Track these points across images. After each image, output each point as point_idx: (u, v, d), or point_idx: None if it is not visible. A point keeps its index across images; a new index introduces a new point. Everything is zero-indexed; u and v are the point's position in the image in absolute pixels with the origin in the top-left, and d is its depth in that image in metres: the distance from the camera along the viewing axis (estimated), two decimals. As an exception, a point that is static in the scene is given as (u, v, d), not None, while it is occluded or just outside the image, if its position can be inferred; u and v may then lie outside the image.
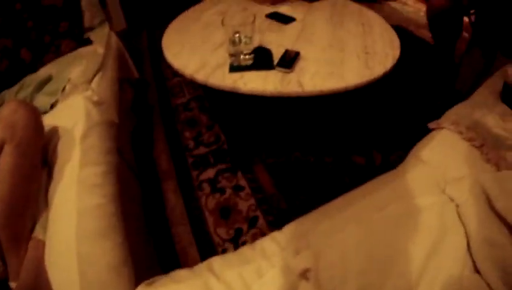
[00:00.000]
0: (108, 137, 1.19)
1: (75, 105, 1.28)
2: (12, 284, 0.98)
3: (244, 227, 1.36)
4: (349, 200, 0.92)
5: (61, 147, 1.13)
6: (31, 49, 1.56)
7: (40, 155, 1.07)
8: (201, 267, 0.78)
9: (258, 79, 1.20)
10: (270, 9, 1.70)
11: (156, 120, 1.95)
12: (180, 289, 0.74)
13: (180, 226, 1.39)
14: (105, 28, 1.94)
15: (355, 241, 0.75)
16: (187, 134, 1.81)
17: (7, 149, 0.96)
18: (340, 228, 0.79)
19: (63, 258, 0.89)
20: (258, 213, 1.40)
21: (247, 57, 1.25)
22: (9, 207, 0.96)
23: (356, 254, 0.71)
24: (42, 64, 1.60)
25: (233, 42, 1.23)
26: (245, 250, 0.81)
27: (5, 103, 1.05)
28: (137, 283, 0.87)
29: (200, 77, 1.26)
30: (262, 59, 1.27)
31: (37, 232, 1.02)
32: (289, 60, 1.25)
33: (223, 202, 1.45)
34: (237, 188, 1.50)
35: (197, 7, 1.85)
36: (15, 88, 1.43)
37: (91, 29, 1.92)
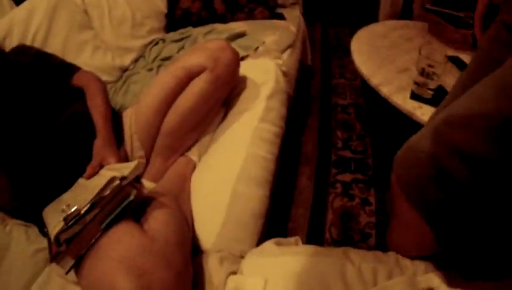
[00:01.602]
0: (285, 106, 1.30)
1: (267, 67, 1.40)
2: (145, 182, 1.12)
3: (356, 237, 1.38)
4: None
5: (245, 96, 1.26)
6: (226, 3, 1.78)
7: (226, 94, 1.21)
8: (338, 251, 0.84)
9: None
10: (452, 52, 1.63)
11: (313, 109, 2.05)
12: (316, 261, 0.81)
13: (300, 208, 1.48)
14: (297, 10, 2.08)
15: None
16: (339, 133, 1.87)
17: (205, 76, 1.07)
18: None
19: (217, 189, 1.01)
20: (373, 232, 1.41)
21: (429, 91, 1.29)
22: (184, 122, 1.10)
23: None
24: (232, 19, 1.81)
25: (422, 73, 1.28)
26: (379, 253, 0.85)
27: (214, 40, 1.17)
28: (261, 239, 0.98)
29: (384, 91, 1.37)
30: (439, 98, 1.26)
31: (192, 153, 1.16)
32: None
33: (348, 207, 1.49)
34: (365, 202, 1.52)
35: (382, 25, 1.94)
36: (204, 29, 1.62)
37: (283, 7, 2.08)
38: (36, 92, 1.11)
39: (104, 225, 0.73)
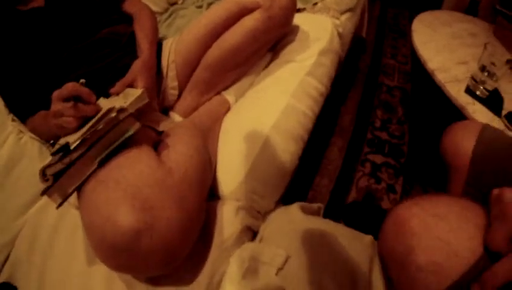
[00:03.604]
0: (335, 67, 1.23)
1: (323, 24, 1.30)
2: (173, 115, 1.08)
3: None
4: None
5: (296, 47, 1.18)
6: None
7: (276, 39, 1.14)
8: (367, 238, 0.78)
9: (485, 115, 1.16)
10: None
11: (358, 82, 1.95)
12: (347, 245, 0.75)
13: (325, 179, 1.42)
14: None
15: None
16: (379, 113, 1.78)
17: (258, 14, 1.00)
18: None
19: (248, 135, 0.95)
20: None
21: (485, 90, 1.22)
22: (227, 58, 1.03)
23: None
24: None
25: (483, 69, 1.22)
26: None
27: None
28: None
29: (440, 77, 1.31)
30: (493, 101, 1.22)
31: (228, 94, 1.11)
32: None
33: (373, 189, 1.42)
34: (391, 189, 1.45)
35: (447, 13, 1.84)
36: None
37: None
38: (84, 7, 1.10)
39: (99, 158, 0.66)
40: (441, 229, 0.46)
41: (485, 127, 0.75)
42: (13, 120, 1.01)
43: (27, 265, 0.81)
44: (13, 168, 0.94)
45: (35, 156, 0.98)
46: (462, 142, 0.75)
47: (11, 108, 1.01)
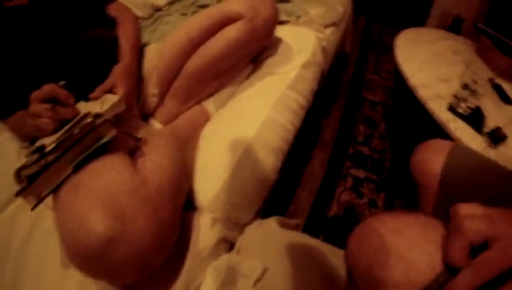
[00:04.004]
0: (317, 81, 1.22)
1: (306, 37, 1.31)
2: (153, 122, 1.07)
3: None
4: None
5: (278, 59, 1.18)
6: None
7: (258, 50, 1.14)
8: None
9: (467, 133, 1.18)
10: (495, 76, 1.53)
11: (340, 96, 1.96)
12: (322, 259, 0.74)
13: (306, 192, 1.41)
14: None
15: None
16: (361, 128, 1.78)
17: (240, 25, 0.99)
18: None
19: (227, 146, 0.94)
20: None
21: (467, 108, 1.24)
22: (208, 67, 1.02)
23: None
24: None
25: (465, 87, 1.25)
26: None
27: None
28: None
29: (422, 94, 1.33)
30: (475, 119, 1.24)
31: (207, 104, 1.10)
32: (498, 138, 1.17)
33: (354, 203, 1.42)
34: (372, 204, 1.44)
35: (430, 31, 1.90)
36: None
37: None
38: (67, 8, 1.08)
39: (74, 163, 0.66)
40: (400, 245, 0.46)
41: (455, 147, 0.75)
42: (-10, 119, 0.98)
43: (0, 265, 0.79)
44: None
45: (12, 156, 0.96)
46: (430, 162, 0.75)
47: None
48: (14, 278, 0.76)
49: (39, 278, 0.75)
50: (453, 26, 2.29)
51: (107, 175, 0.63)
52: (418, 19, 2.53)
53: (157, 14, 1.64)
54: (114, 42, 1.08)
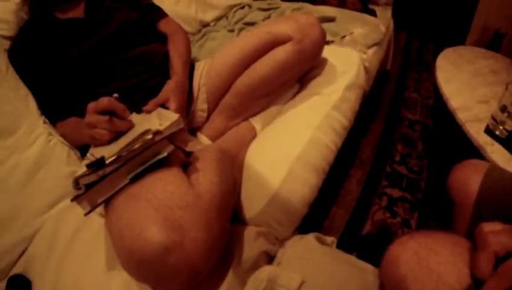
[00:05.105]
0: (359, 102, 1.25)
1: (351, 57, 1.32)
2: (201, 137, 1.11)
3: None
4: None
5: (323, 80, 1.20)
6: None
7: (305, 71, 1.17)
8: None
9: (503, 156, 1.16)
10: None
11: (379, 115, 1.97)
12: (358, 276, 0.77)
13: (341, 209, 1.43)
14: (388, 12, 1.96)
15: None
16: (399, 147, 1.79)
17: (289, 46, 1.02)
18: None
19: (273, 164, 0.98)
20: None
21: (504, 131, 1.21)
22: (257, 86, 1.07)
23: None
24: (323, 3, 1.87)
25: (504, 110, 1.20)
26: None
27: (305, 15, 1.09)
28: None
29: (460, 116, 1.32)
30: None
31: (256, 121, 1.14)
32: None
33: (388, 223, 1.43)
34: (406, 224, 1.45)
35: (470, 50, 1.84)
36: (293, 5, 1.69)
37: (376, 4, 1.98)
38: (121, 24, 1.13)
39: (131, 175, 0.70)
40: (432, 261, 0.50)
41: (492, 167, 0.76)
42: (44, 122, 1.04)
43: (44, 263, 0.83)
44: (40, 168, 0.96)
45: (62, 159, 1.00)
46: (468, 181, 0.76)
47: (43, 110, 1.05)
48: (56, 277, 0.79)
49: (80, 279, 0.78)
50: (494, 40, 2.25)
51: (164, 189, 0.67)
52: (458, 35, 2.50)
53: (205, 29, 1.71)
54: (166, 58, 1.13)
